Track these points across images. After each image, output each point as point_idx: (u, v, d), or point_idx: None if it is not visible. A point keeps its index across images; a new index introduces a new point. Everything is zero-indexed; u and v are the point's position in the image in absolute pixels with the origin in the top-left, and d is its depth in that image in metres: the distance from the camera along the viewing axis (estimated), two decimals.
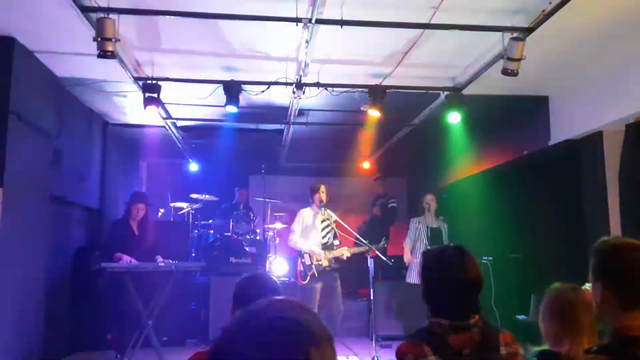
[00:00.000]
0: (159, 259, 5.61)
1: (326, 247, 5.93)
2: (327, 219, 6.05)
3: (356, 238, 5.94)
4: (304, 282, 5.83)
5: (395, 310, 7.14)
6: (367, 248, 5.81)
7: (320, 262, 5.86)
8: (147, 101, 5.29)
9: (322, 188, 6.05)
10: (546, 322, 2.30)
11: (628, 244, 1.73)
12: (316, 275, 5.81)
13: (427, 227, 6.56)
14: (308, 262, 5.84)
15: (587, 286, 2.61)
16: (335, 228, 6.05)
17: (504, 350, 1.88)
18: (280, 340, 0.82)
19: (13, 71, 4.64)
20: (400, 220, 8.61)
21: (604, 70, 5.16)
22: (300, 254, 5.97)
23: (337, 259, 5.95)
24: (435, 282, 1.99)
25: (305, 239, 5.95)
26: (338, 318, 5.88)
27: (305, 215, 6.07)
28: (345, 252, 5.92)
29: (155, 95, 5.29)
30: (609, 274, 1.72)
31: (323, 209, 5.99)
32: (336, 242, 6.02)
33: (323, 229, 6.02)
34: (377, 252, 5.78)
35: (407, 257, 6.66)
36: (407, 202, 10.69)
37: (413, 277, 6.55)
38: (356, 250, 6.01)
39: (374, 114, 5.48)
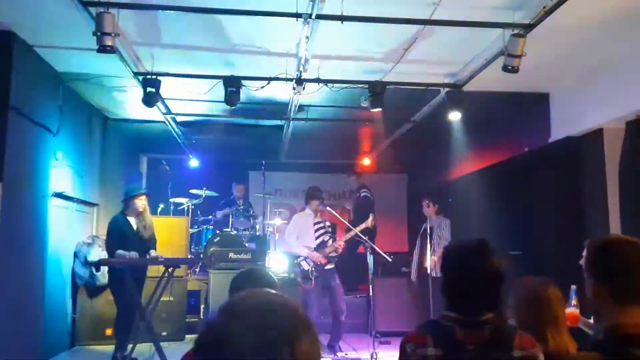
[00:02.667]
0: (153, 253, 5.62)
1: (319, 247, 5.97)
2: (321, 222, 6.13)
3: (352, 231, 5.99)
4: (307, 286, 5.86)
5: (395, 307, 7.14)
6: (359, 231, 5.97)
7: (318, 262, 5.88)
8: (147, 98, 5.28)
9: (321, 198, 6.17)
10: (524, 315, 2.26)
11: (619, 239, 1.74)
12: (316, 275, 5.84)
13: (427, 227, 6.62)
14: (306, 267, 5.86)
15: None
16: (329, 232, 6.15)
17: (517, 353, 1.78)
18: (272, 317, 0.83)
19: (13, 66, 4.63)
20: (377, 211, 8.42)
21: (604, 67, 5.15)
22: (297, 257, 6.01)
23: (334, 253, 5.99)
24: (450, 275, 1.96)
25: (299, 241, 6.00)
26: (341, 317, 5.90)
27: (299, 220, 6.18)
28: (338, 243, 5.97)
29: (155, 90, 5.28)
30: (600, 269, 1.72)
31: (319, 213, 6.09)
32: (330, 242, 6.07)
33: (316, 231, 6.07)
34: (368, 245, 5.83)
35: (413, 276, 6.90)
36: (408, 199, 10.68)
37: (414, 274, 6.61)
38: (348, 236, 6.11)
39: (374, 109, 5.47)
